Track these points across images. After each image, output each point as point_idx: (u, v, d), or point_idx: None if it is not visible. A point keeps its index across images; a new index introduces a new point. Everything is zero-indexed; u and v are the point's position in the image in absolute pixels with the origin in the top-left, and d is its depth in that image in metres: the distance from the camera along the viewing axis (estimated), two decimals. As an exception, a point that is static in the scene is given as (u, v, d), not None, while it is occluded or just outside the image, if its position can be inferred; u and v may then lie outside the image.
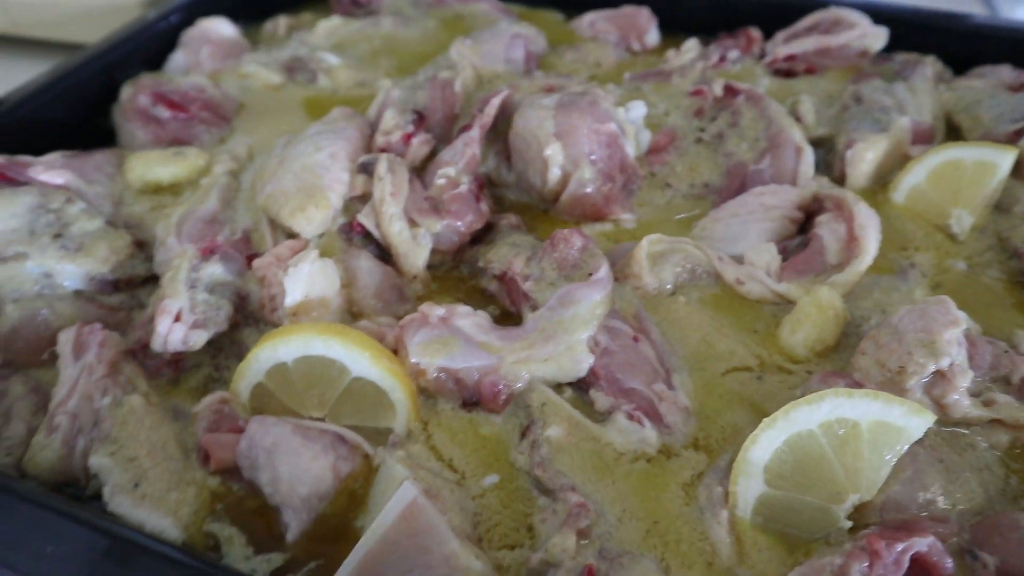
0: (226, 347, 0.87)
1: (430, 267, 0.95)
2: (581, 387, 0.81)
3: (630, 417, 0.76)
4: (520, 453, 0.75)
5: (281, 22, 1.46)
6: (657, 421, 0.77)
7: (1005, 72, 1.20)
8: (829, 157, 1.10)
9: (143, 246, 0.97)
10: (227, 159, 1.07)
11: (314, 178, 0.96)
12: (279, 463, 0.72)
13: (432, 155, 1.06)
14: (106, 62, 1.23)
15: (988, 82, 1.18)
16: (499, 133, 1.06)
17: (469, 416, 0.79)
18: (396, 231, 0.92)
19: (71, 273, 0.90)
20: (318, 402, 0.77)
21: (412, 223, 0.93)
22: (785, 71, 1.27)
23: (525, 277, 0.86)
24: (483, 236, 0.98)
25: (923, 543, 0.61)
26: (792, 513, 0.68)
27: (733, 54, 1.30)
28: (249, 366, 0.78)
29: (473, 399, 0.80)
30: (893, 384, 0.74)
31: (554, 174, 0.98)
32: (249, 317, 0.88)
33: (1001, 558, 0.64)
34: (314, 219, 0.94)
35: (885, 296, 0.89)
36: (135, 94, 1.17)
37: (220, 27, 1.36)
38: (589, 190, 0.98)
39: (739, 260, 0.93)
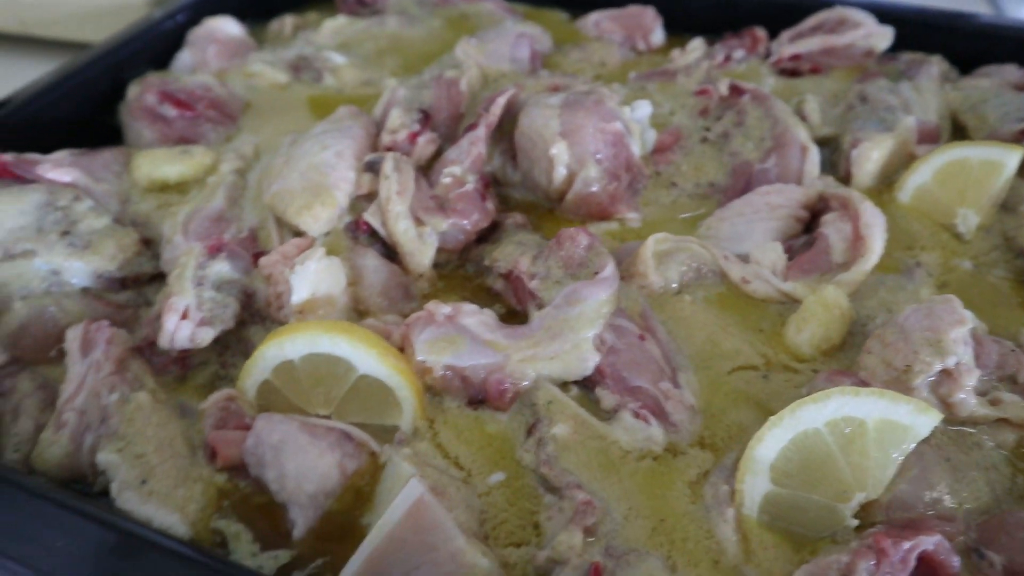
0: (233, 345, 0.87)
1: (436, 265, 0.95)
2: (587, 385, 0.81)
3: (636, 415, 0.76)
4: (526, 451, 0.75)
5: (287, 21, 1.47)
6: (663, 419, 0.77)
7: (1011, 71, 1.20)
8: (834, 156, 1.10)
9: (150, 244, 0.97)
10: (233, 157, 1.07)
11: (320, 177, 0.96)
12: (286, 460, 0.72)
13: (438, 154, 1.06)
14: (113, 61, 1.24)
15: (994, 81, 1.18)
16: (505, 132, 1.07)
17: (475, 414, 0.80)
18: (402, 229, 0.92)
19: (79, 270, 0.90)
20: (324, 399, 0.77)
21: (418, 222, 0.93)
22: (790, 71, 1.27)
23: (531, 275, 0.86)
24: (489, 235, 0.99)
25: (930, 541, 0.61)
26: (798, 511, 0.68)
27: (738, 54, 1.30)
28: (256, 363, 0.78)
29: (479, 397, 0.80)
30: (899, 383, 0.74)
31: (560, 173, 0.99)
32: (256, 315, 0.88)
33: (1008, 557, 0.64)
34: (320, 217, 0.94)
35: (891, 295, 0.89)
36: (142, 93, 1.17)
37: (226, 26, 1.36)
38: (595, 189, 0.99)
39: (745, 259, 0.93)
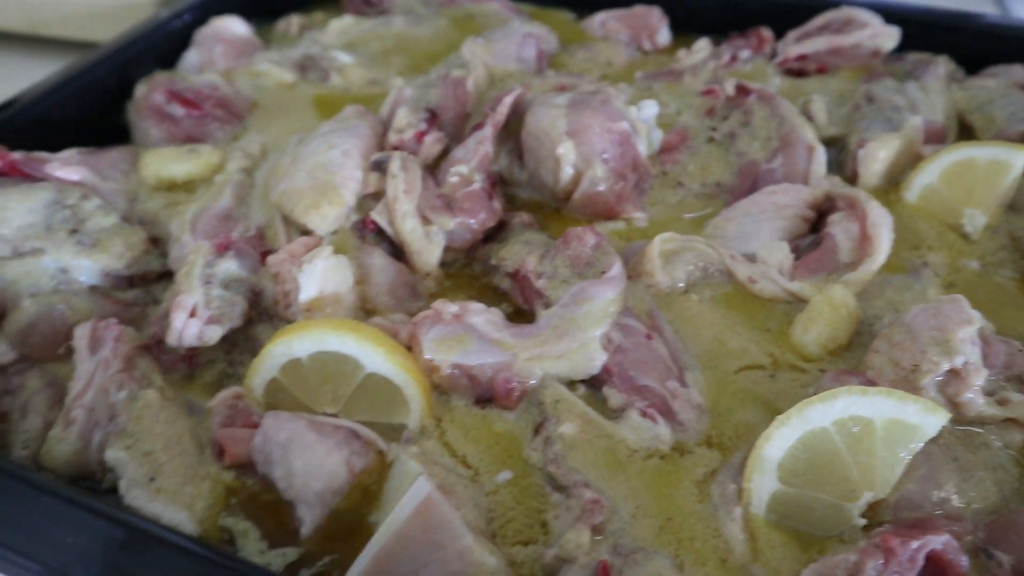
0: (240, 343, 0.87)
1: (443, 264, 0.95)
2: (594, 384, 0.81)
3: (643, 414, 0.76)
4: (533, 450, 0.75)
5: (293, 21, 1.47)
6: (670, 418, 0.77)
7: (1017, 71, 1.19)
8: (841, 156, 1.10)
9: (158, 242, 0.98)
10: (241, 156, 1.08)
11: (327, 175, 0.96)
12: (293, 458, 0.72)
13: (444, 153, 1.06)
14: (120, 60, 1.24)
15: (1000, 81, 1.18)
16: (511, 132, 1.07)
17: (482, 412, 0.80)
18: (409, 228, 0.92)
19: (87, 268, 0.91)
20: (332, 398, 0.78)
21: (425, 220, 0.93)
22: (797, 71, 1.27)
23: (538, 275, 0.86)
24: (496, 234, 0.99)
25: (938, 541, 0.61)
26: (806, 510, 0.68)
27: (744, 54, 1.30)
28: (263, 362, 0.78)
29: (486, 396, 0.80)
30: (907, 382, 0.74)
31: (566, 172, 0.99)
32: (263, 313, 0.89)
33: (1016, 557, 0.64)
34: (327, 216, 0.94)
35: (898, 295, 0.89)
36: (149, 92, 1.17)
37: (233, 26, 1.36)
38: (601, 188, 0.99)
39: (751, 259, 0.93)
